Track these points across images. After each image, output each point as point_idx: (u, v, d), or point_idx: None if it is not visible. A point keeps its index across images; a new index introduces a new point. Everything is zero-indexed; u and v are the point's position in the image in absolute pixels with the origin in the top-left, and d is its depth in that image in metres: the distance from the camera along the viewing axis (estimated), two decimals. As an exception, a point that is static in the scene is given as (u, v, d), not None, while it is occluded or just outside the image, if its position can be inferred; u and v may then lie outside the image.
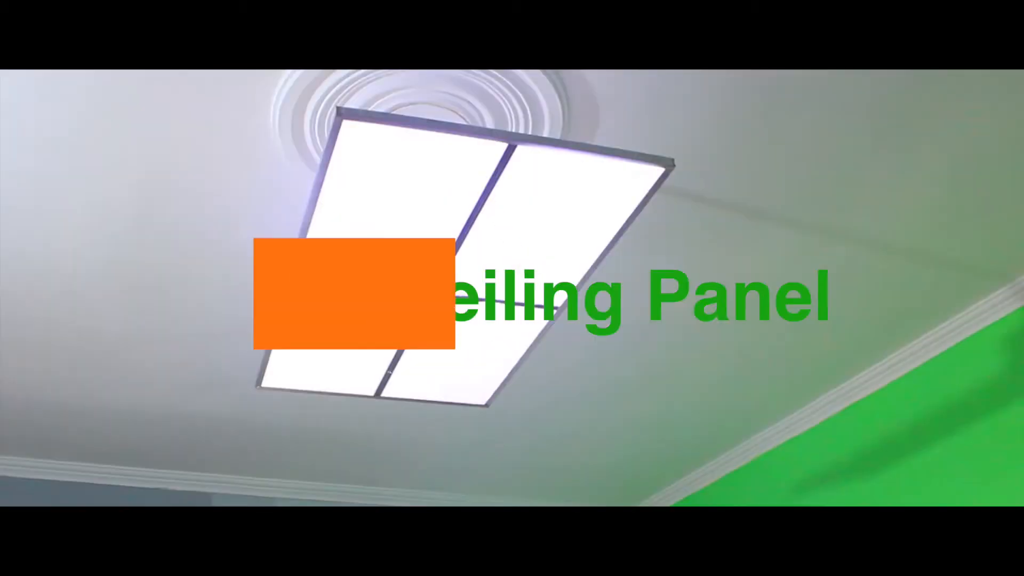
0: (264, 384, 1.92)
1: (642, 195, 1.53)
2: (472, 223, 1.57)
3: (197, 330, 2.36)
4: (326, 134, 1.77)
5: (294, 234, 2.06)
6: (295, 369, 1.90)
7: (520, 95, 1.72)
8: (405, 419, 2.86)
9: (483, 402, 2.13)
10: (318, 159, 1.83)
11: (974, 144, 1.95)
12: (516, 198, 1.53)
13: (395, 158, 1.44)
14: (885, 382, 2.72)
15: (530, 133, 1.76)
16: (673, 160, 1.47)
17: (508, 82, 1.69)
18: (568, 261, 1.68)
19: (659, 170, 1.48)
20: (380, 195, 1.51)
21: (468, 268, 1.67)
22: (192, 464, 3.09)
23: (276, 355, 1.83)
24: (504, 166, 1.45)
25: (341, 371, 1.93)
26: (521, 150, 1.41)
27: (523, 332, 1.88)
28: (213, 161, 1.85)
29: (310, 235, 1.56)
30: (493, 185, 1.49)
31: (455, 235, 1.58)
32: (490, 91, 1.71)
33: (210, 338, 2.39)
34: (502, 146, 1.40)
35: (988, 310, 2.47)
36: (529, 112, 1.75)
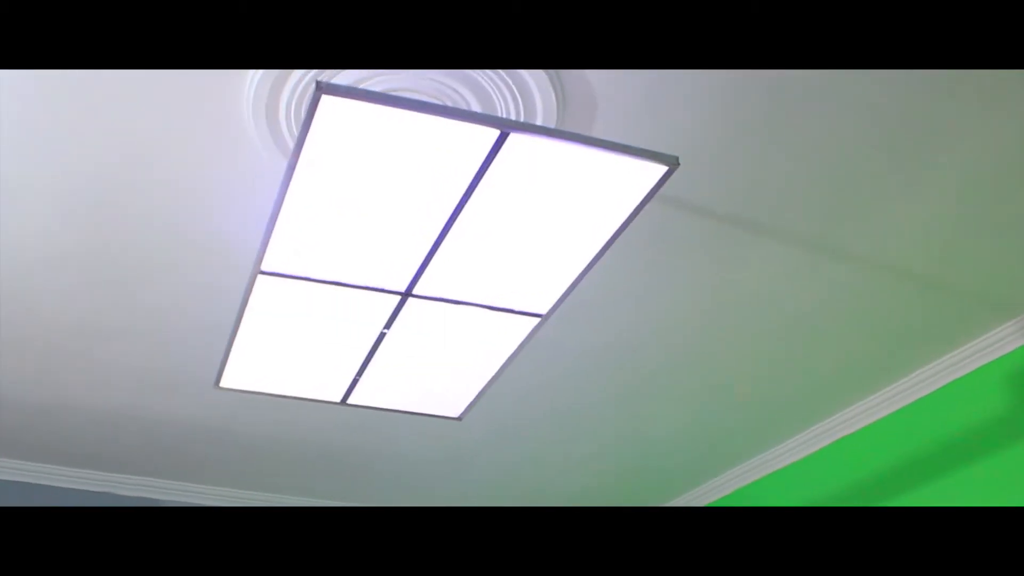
0: (223, 384, 1.78)
1: (642, 195, 1.42)
2: (456, 216, 1.44)
3: (161, 326, 2.22)
4: (303, 118, 1.65)
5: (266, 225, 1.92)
6: (257, 370, 1.77)
7: (513, 87, 1.61)
8: (375, 431, 2.72)
9: (456, 415, 2.00)
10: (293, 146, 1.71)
11: (989, 165, 1.85)
12: (505, 192, 1.41)
13: (377, 142, 1.31)
14: (877, 416, 2.61)
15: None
16: (677, 158, 1.35)
17: (502, 73, 1.58)
18: (557, 263, 1.56)
19: (661, 168, 1.37)
20: (358, 182, 1.38)
21: (450, 266, 1.54)
22: (147, 469, 2.92)
23: (237, 353, 1.70)
24: (494, 155, 1.33)
25: (307, 374, 1.79)
26: (514, 139, 1.29)
27: (504, 340, 1.75)
28: (184, 149, 1.72)
29: (280, 223, 1.43)
30: (481, 176, 1.37)
31: (438, 228, 1.46)
32: (481, 81, 1.59)
33: (175, 335, 2.25)
34: (494, 133, 1.29)
35: (992, 345, 2.37)
36: (522, 106, 1.64)
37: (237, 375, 1.77)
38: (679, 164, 1.35)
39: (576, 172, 1.38)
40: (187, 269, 2.04)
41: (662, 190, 1.88)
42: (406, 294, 1.59)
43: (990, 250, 2.09)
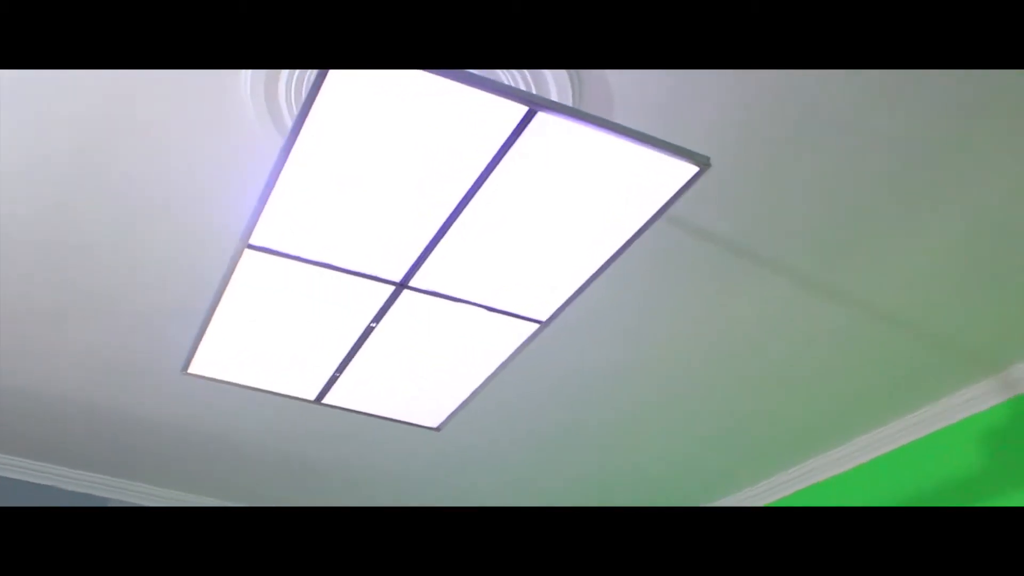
0: (191, 370, 1.65)
1: (667, 196, 1.33)
2: (465, 204, 1.34)
3: (122, 308, 2.07)
4: (303, 96, 1.55)
5: (253, 205, 1.81)
6: (230, 358, 1.64)
7: (528, 74, 1.52)
8: (347, 437, 2.58)
9: (435, 425, 1.88)
10: (290, 124, 1.60)
11: (994, 218, 1.80)
12: (520, 182, 1.31)
13: (386, 118, 1.21)
14: (853, 464, 2.55)
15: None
16: (708, 159, 1.27)
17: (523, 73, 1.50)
18: (565, 266, 1.47)
19: (692, 169, 1.28)
20: (362, 160, 1.27)
21: (451, 259, 1.44)
22: (95, 465, 2.75)
23: (211, 336, 1.57)
24: (516, 137, 1.23)
25: (281, 368, 1.67)
26: (540, 120, 1.20)
27: (497, 346, 1.65)
28: (169, 117, 1.60)
29: (275, 195, 1.31)
30: (498, 161, 1.27)
31: (444, 216, 1.36)
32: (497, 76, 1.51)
33: (138, 318, 2.11)
34: (519, 111, 1.19)
35: (969, 400, 2.32)
36: (534, 91, 1.55)
37: (208, 361, 1.64)
38: (710, 165, 1.26)
39: (598, 166, 1.29)
40: (155, 246, 1.91)
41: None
42: (401, 285, 1.48)
43: (983, 302, 2.03)
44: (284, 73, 1.54)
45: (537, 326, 1.59)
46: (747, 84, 1.53)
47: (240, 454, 2.65)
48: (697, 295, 2.03)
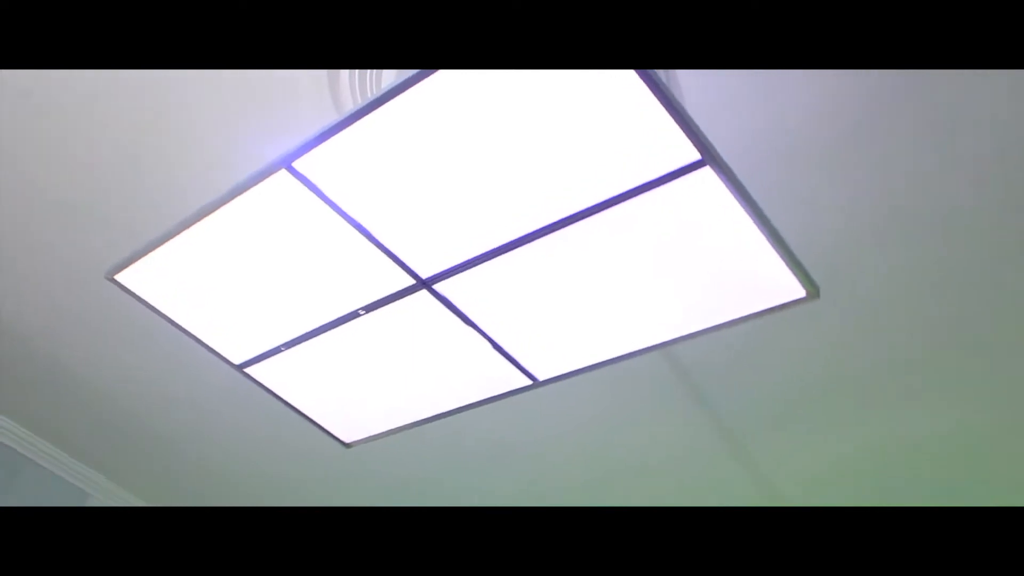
0: (117, 277, 1.34)
1: (755, 308, 1.20)
2: (542, 234, 1.15)
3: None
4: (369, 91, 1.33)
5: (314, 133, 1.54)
6: (167, 284, 1.34)
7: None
8: (253, 433, 2.24)
9: (346, 440, 1.64)
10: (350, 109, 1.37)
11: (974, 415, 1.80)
12: (617, 231, 1.15)
13: (504, 112, 1.02)
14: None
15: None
16: (819, 290, 1.16)
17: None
18: (597, 335, 1.30)
19: (798, 292, 1.16)
20: (460, 145, 1.07)
21: (490, 282, 1.24)
22: None
23: (166, 250, 1.28)
24: (653, 186, 1.07)
25: (223, 316, 1.39)
26: (700, 176, 1.04)
27: (470, 386, 1.44)
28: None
29: (344, 133, 1.08)
30: (610, 205, 1.10)
31: (513, 236, 1.16)
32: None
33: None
34: (687, 155, 1.03)
35: None
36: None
37: (140, 277, 1.34)
38: (818, 297, 1.15)
39: (699, 247, 1.15)
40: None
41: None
42: (423, 283, 1.26)
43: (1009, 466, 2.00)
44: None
45: (529, 383, 1.41)
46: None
47: (134, 433, 2.25)
48: (685, 409, 1.90)
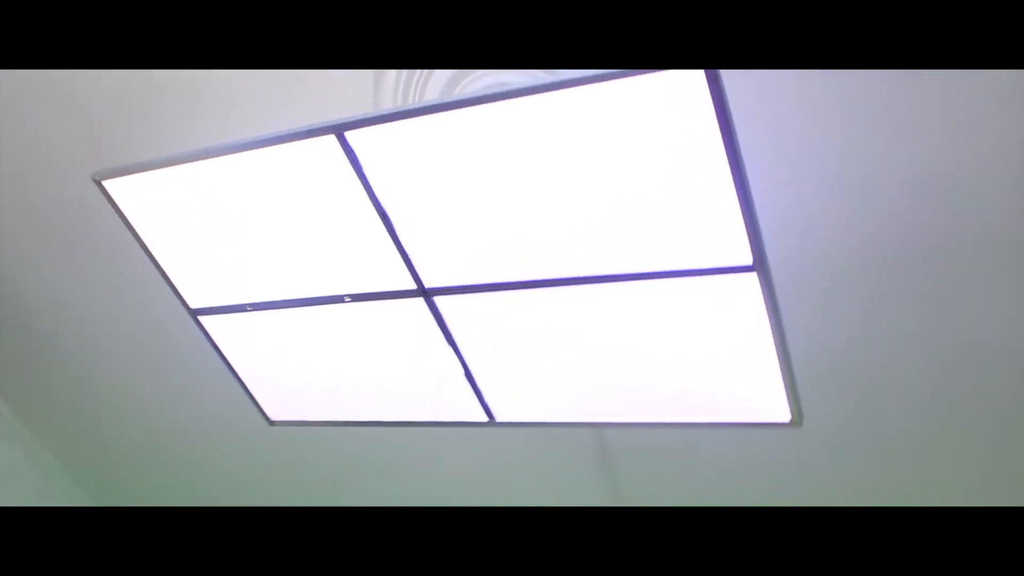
0: (102, 180, 1.25)
1: (735, 419, 1.20)
2: (571, 283, 1.13)
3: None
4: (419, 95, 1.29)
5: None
6: (155, 207, 1.26)
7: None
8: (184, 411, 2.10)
9: (273, 417, 1.56)
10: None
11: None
12: (648, 304, 1.14)
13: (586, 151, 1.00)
14: None
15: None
16: (802, 420, 1.17)
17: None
18: (576, 396, 1.28)
19: (784, 414, 1.17)
20: (514, 169, 1.04)
21: (489, 312, 1.20)
22: None
23: (166, 175, 1.20)
24: (711, 274, 1.06)
25: (196, 260, 1.31)
26: (746, 278, 1.04)
27: (427, 404, 1.40)
28: None
29: (394, 124, 1.04)
30: (652, 277, 1.09)
31: (536, 276, 1.14)
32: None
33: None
34: (743, 257, 1.03)
35: None
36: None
37: (127, 189, 1.25)
38: (801, 425, 1.16)
39: (710, 346, 1.15)
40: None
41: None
42: (423, 292, 1.22)
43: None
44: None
45: (485, 420, 1.37)
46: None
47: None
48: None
